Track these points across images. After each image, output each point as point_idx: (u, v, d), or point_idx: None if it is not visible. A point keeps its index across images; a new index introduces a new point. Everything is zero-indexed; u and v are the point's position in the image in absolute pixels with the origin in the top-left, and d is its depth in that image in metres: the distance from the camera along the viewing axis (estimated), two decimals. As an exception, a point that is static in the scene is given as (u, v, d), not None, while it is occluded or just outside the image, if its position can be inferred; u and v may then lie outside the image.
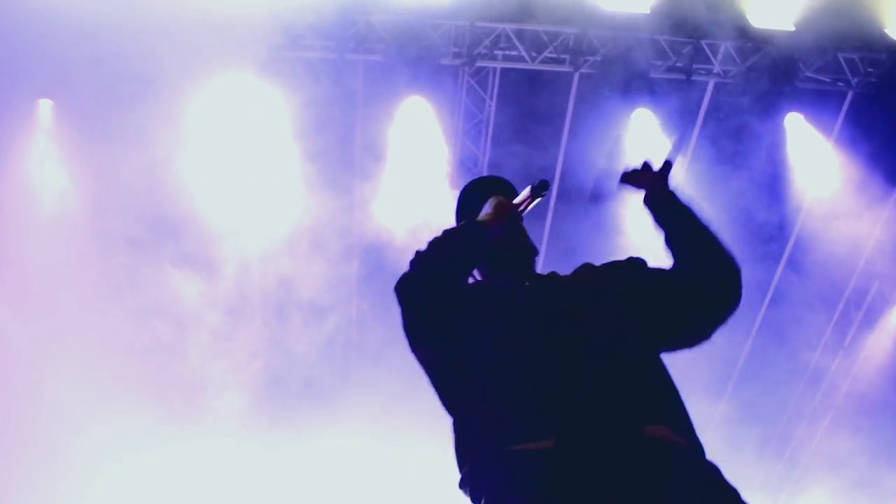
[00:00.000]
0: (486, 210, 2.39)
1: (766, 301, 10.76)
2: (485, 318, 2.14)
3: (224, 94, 8.40)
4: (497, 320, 2.13)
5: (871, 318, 11.12)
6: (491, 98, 9.24)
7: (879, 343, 11.07)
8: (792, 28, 8.79)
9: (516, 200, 2.41)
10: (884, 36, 8.85)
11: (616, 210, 9.09)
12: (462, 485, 2.04)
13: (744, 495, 1.93)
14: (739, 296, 2.28)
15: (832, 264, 10.46)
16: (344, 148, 9.00)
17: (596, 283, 2.30)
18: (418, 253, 2.22)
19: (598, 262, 2.49)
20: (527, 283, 2.30)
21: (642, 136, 9.08)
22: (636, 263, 2.45)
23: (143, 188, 7.98)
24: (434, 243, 2.23)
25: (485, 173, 8.47)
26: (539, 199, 2.37)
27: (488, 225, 2.31)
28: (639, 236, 9.09)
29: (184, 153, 8.45)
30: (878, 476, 10.38)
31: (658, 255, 2.47)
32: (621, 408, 1.91)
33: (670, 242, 2.39)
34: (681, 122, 9.11)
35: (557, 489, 1.82)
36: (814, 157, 9.66)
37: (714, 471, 1.96)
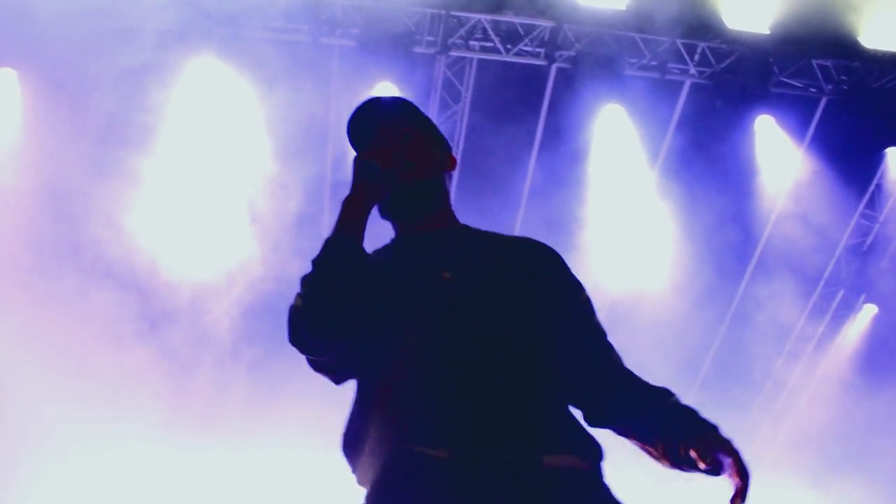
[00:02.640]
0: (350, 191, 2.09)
1: (735, 304, 10.81)
2: (385, 317, 1.97)
3: (195, 77, 8.32)
4: (398, 318, 1.97)
5: (836, 323, 11.21)
6: (467, 90, 9.21)
7: (843, 349, 11.17)
8: (767, 32, 8.82)
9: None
10: (857, 44, 8.90)
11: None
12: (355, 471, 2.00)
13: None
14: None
15: (800, 268, 10.54)
16: (316, 133, 8.94)
17: (510, 279, 2.05)
18: (294, 308, 1.96)
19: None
20: (443, 273, 2.04)
21: (612, 132, 9.09)
22: (554, 274, 2.15)
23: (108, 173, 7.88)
24: (306, 286, 1.97)
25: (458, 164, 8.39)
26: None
27: (351, 227, 2.02)
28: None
29: (155, 136, 8.39)
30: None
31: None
32: (522, 434, 1.85)
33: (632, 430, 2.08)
34: (654, 120, 9.14)
35: (442, 498, 1.78)
36: (783, 161, 9.71)
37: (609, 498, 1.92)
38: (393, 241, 2.22)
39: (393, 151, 2.14)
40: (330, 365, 2.04)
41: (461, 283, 2.00)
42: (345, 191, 2.08)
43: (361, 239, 2.03)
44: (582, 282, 2.18)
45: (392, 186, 2.09)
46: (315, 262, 1.98)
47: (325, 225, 9.35)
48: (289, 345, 1.98)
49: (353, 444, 1.97)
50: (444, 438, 1.81)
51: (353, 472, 1.98)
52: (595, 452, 1.95)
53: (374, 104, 2.25)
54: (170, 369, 9.05)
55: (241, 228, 8.76)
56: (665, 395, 2.04)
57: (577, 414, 2.07)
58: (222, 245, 8.80)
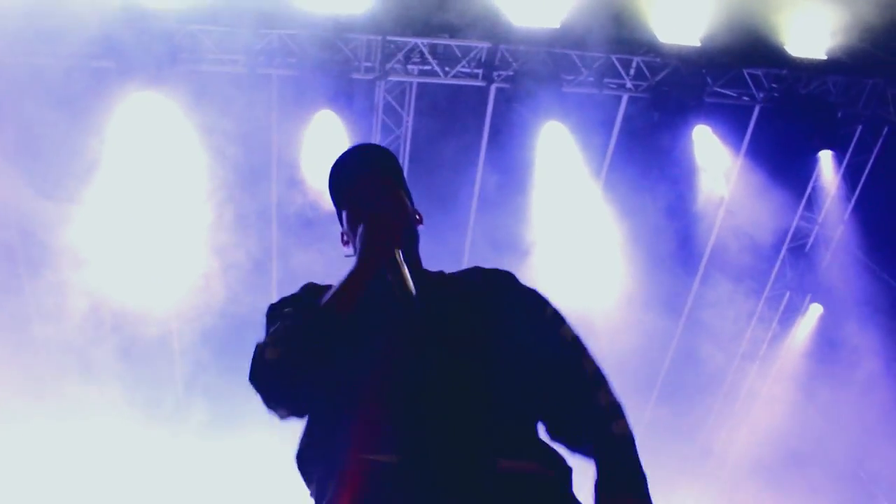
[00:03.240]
0: (354, 262, 2.06)
1: (686, 311, 10.98)
2: (347, 333, 1.98)
3: (134, 110, 8.25)
4: (359, 335, 1.98)
5: (785, 325, 11.44)
6: (408, 114, 9.26)
7: (793, 349, 11.39)
8: (698, 44, 9.03)
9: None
10: (784, 53, 9.16)
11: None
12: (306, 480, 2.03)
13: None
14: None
15: (746, 273, 10.75)
16: (259, 163, 8.91)
17: (471, 302, 2.12)
18: (270, 361, 1.95)
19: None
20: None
21: (554, 149, 9.19)
22: (510, 293, 2.20)
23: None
24: (290, 343, 1.96)
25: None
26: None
27: (345, 303, 1.98)
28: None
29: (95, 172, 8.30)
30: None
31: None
32: (476, 439, 1.87)
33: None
34: (594, 135, 9.27)
35: (393, 501, 1.80)
36: (722, 169, 9.92)
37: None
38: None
39: (400, 227, 2.12)
40: (286, 410, 2.03)
41: (421, 310, 2.02)
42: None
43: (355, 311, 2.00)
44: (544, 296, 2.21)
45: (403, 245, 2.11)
46: (306, 324, 1.97)
47: (274, 257, 9.33)
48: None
49: (307, 459, 2.00)
50: (394, 445, 1.84)
51: (308, 486, 2.01)
52: (559, 463, 1.97)
53: (361, 152, 2.30)
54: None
55: (182, 260, 8.68)
56: (604, 423, 2.03)
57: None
58: (164, 276, 8.71)
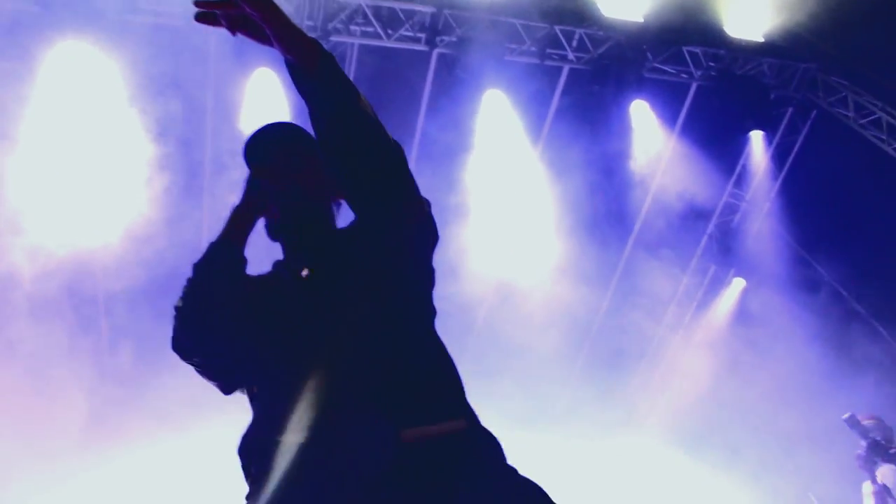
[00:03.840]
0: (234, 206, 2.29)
1: (615, 282, 11.24)
2: (253, 321, 2.13)
3: (64, 60, 7.93)
4: (263, 321, 2.12)
5: (709, 297, 11.83)
6: (350, 73, 9.13)
7: (715, 321, 11.80)
8: (641, 20, 9.12)
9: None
10: (723, 33, 9.31)
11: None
12: None
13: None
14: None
15: (674, 245, 11.04)
16: (194, 119, 8.70)
17: (354, 267, 2.13)
18: (175, 308, 2.16)
19: None
20: (302, 272, 2.19)
21: (493, 117, 9.22)
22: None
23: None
24: (186, 287, 2.17)
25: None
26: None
27: (234, 234, 2.23)
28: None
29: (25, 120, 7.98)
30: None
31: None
32: (375, 411, 1.87)
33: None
34: (533, 105, 9.31)
35: (303, 482, 1.84)
36: (656, 144, 10.10)
37: (494, 456, 1.96)
38: (278, 261, 2.33)
39: (282, 172, 2.28)
40: (212, 372, 2.18)
41: (316, 278, 2.14)
42: (230, 193, 2.17)
43: (243, 247, 2.23)
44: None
45: (280, 207, 2.24)
46: (196, 265, 2.17)
47: (205, 208, 9.17)
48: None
49: (240, 447, 2.03)
50: (300, 425, 1.88)
51: (243, 472, 2.04)
52: (469, 415, 1.98)
53: (268, 129, 2.38)
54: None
55: (117, 209, 8.49)
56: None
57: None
58: (98, 227, 8.52)
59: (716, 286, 11.76)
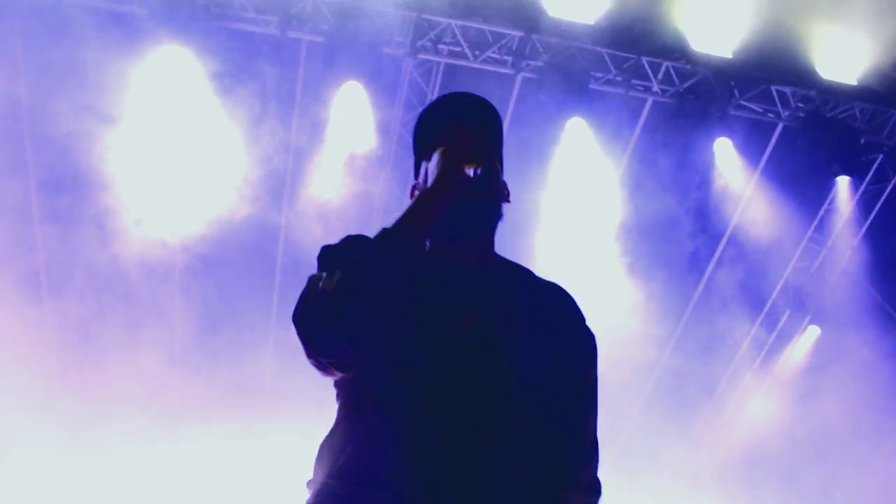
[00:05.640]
0: (424, 184, 1.97)
1: (684, 320, 11.02)
2: (404, 344, 1.81)
3: (162, 67, 8.20)
4: (417, 350, 1.82)
5: (781, 343, 11.49)
6: (432, 92, 9.24)
7: (786, 368, 11.46)
8: (730, 55, 9.01)
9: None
10: (815, 74, 9.13)
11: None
12: None
13: None
14: None
15: (748, 288, 10.78)
16: (282, 126, 8.89)
17: (533, 330, 1.96)
18: (321, 291, 1.73)
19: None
20: (469, 317, 1.89)
21: (576, 145, 9.19)
22: (574, 334, 2.10)
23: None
24: (348, 269, 1.74)
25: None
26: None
27: (419, 228, 1.85)
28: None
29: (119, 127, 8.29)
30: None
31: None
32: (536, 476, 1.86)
33: None
34: (614, 136, 9.25)
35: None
36: (737, 184, 9.92)
37: None
38: (424, 258, 1.91)
39: (494, 146, 2.02)
40: (331, 356, 1.80)
41: (484, 327, 1.87)
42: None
43: (424, 242, 1.88)
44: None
45: (485, 168, 1.93)
46: (368, 249, 1.80)
47: (283, 212, 9.33)
48: None
49: (347, 475, 1.76)
50: (427, 466, 1.72)
51: (321, 480, 1.80)
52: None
53: (484, 102, 2.08)
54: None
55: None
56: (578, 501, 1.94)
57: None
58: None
59: (789, 332, 11.43)
